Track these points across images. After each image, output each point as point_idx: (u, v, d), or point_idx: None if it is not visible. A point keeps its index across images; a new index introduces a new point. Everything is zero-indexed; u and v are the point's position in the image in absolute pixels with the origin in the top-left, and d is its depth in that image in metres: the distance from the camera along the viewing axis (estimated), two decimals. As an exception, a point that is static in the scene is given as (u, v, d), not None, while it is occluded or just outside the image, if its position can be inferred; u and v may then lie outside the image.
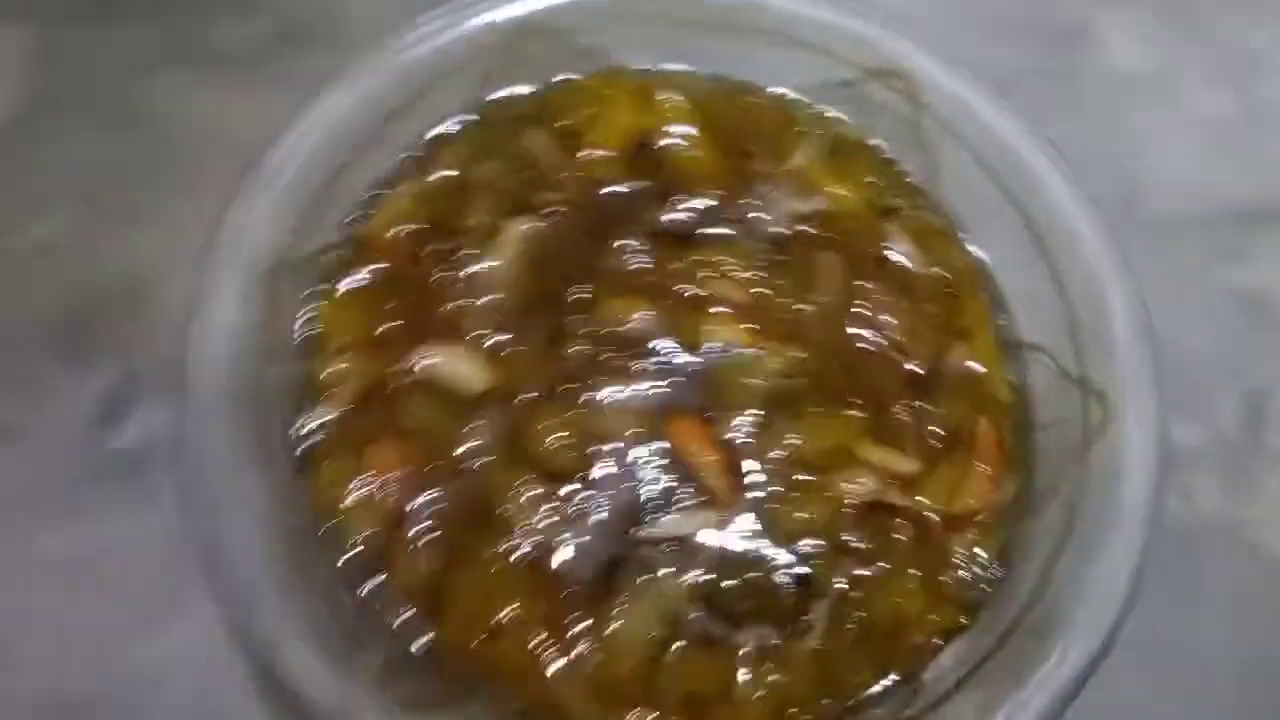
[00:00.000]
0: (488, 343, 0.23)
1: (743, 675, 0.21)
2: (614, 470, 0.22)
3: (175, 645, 0.24)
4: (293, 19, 0.33)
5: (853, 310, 0.24)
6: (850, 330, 0.24)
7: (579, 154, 0.26)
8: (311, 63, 0.30)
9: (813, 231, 0.25)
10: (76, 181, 0.31)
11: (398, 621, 0.21)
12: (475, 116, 0.26)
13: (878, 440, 0.23)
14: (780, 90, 0.27)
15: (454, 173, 0.25)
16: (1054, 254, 0.24)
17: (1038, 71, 0.33)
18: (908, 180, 0.26)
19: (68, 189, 0.31)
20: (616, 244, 0.24)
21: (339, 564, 0.21)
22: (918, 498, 0.22)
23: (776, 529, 0.22)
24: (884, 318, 0.24)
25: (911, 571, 0.22)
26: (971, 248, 0.26)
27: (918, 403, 0.23)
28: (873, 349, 0.24)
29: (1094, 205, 0.24)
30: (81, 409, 0.27)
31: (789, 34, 0.26)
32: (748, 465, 0.22)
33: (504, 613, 0.21)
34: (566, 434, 0.22)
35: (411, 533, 0.21)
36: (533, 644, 0.20)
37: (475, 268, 0.24)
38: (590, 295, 0.24)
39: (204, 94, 0.32)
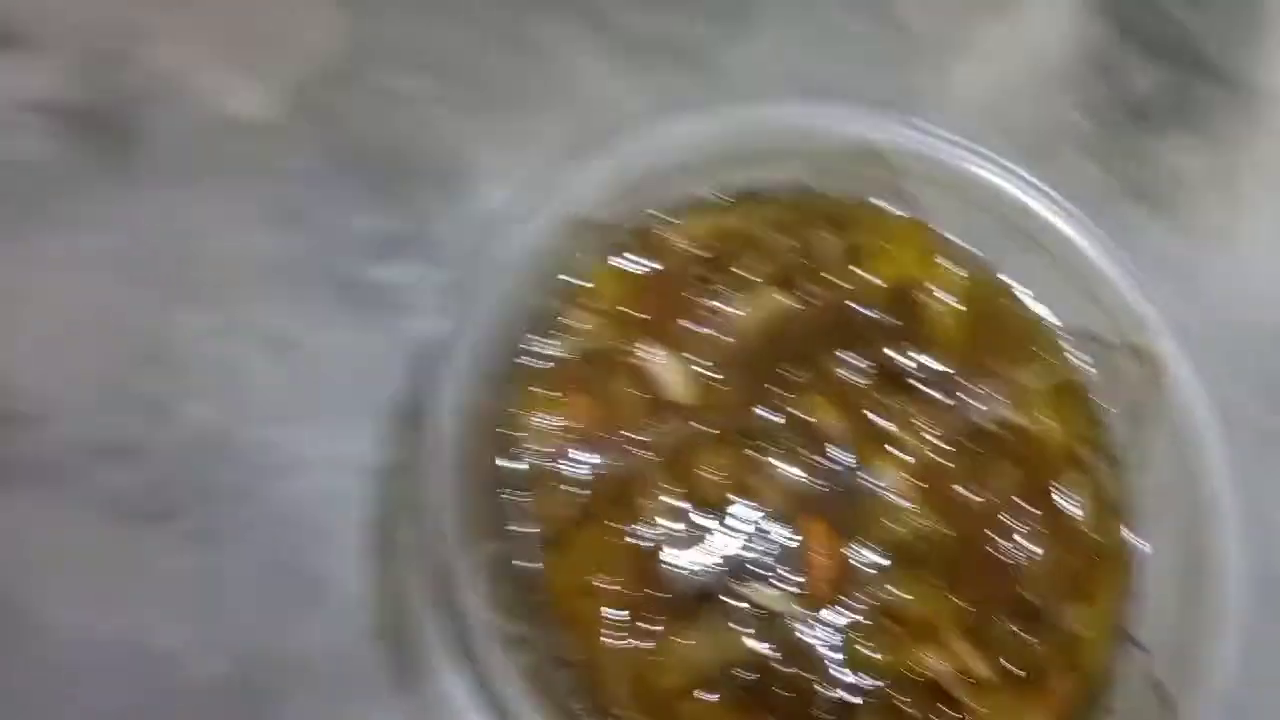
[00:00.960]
0: (702, 370, 0.26)
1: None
2: (745, 525, 0.25)
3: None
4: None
5: (1005, 521, 0.26)
6: (995, 535, 0.26)
7: (854, 268, 0.28)
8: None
9: (1008, 438, 0.27)
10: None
11: (520, 533, 0.24)
12: (792, 192, 0.29)
13: (967, 637, 0.25)
14: (1038, 310, 0.29)
15: (750, 226, 0.29)
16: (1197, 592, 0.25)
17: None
18: (1111, 449, 0.28)
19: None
20: (843, 354, 0.27)
21: (498, 461, 0.24)
22: (977, 705, 0.24)
23: (845, 653, 0.24)
24: (1027, 543, 0.26)
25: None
26: (1134, 538, 0.27)
27: (1017, 628, 0.25)
28: (1006, 561, 0.26)
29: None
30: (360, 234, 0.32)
31: (1073, 275, 0.28)
32: (852, 590, 0.24)
33: (603, 580, 0.23)
34: (725, 474, 0.25)
35: (565, 475, 0.25)
36: (611, 617, 0.23)
37: (725, 307, 0.27)
38: (802, 381, 0.27)
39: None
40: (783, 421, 0.26)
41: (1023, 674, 0.25)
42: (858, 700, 0.23)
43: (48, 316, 0.30)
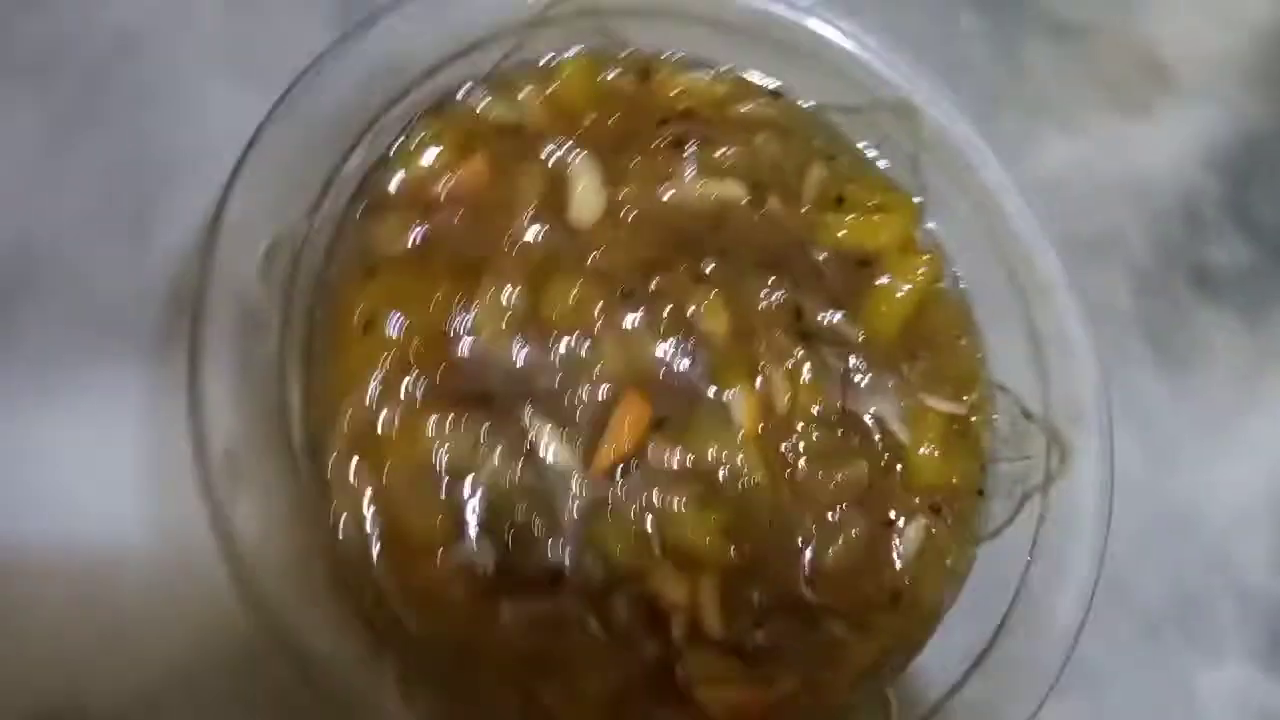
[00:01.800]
0: (621, 207, 0.24)
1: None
2: (566, 358, 0.22)
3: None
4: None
5: (824, 515, 0.23)
6: (807, 522, 0.23)
7: (831, 214, 0.26)
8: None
9: (878, 445, 0.24)
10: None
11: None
12: (813, 110, 0.27)
13: (720, 593, 0.22)
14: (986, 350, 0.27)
15: (754, 121, 0.27)
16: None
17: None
18: (972, 520, 0.25)
19: None
20: (769, 276, 0.25)
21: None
22: (688, 655, 0.22)
23: (588, 526, 0.21)
24: (834, 549, 0.23)
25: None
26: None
27: (778, 617, 0.22)
28: (802, 551, 0.23)
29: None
30: None
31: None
32: (633, 480, 0.22)
33: (397, 326, 0.22)
34: (576, 305, 0.23)
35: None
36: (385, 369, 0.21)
37: (682, 171, 0.25)
38: (710, 277, 0.24)
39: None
40: (668, 301, 0.24)
41: (752, 658, 0.22)
42: (566, 572, 0.21)
43: None
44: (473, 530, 0.21)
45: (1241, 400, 0.34)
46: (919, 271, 0.26)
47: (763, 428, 0.23)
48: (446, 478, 0.21)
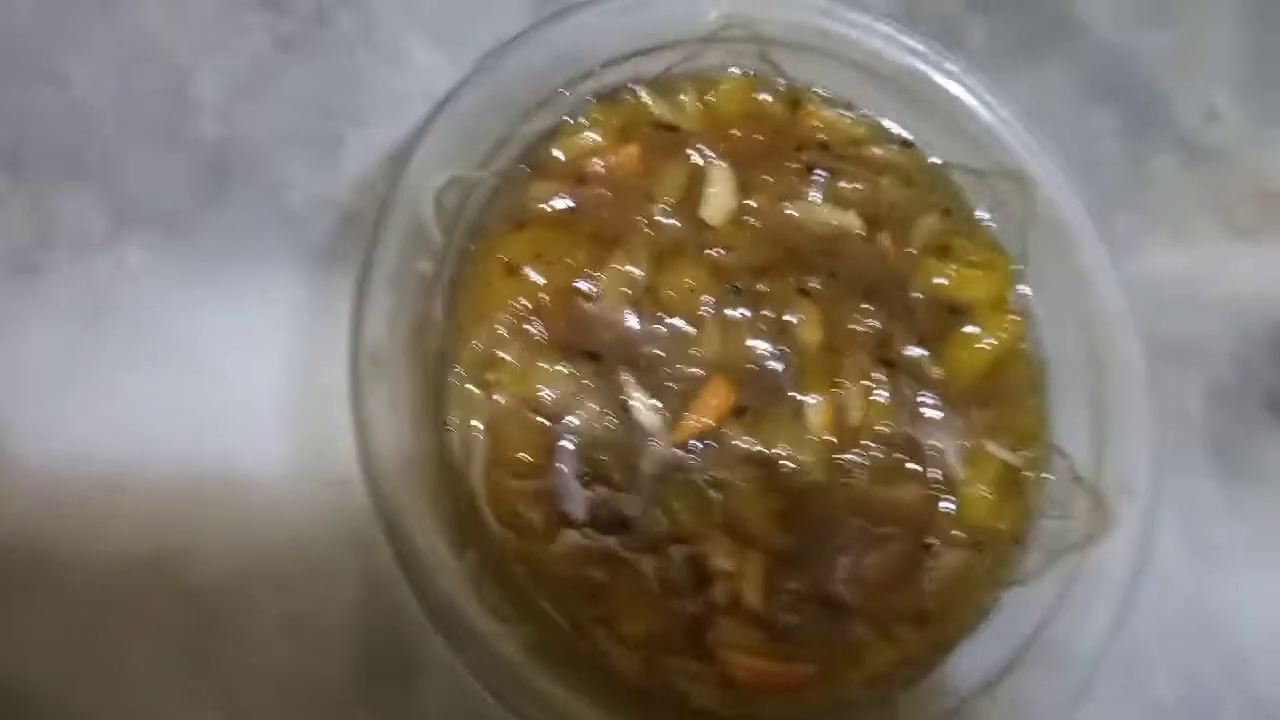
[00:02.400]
0: (747, 212, 0.27)
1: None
2: (672, 332, 0.25)
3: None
4: None
5: (869, 526, 0.26)
6: (853, 528, 0.26)
7: (933, 259, 0.28)
8: None
9: (934, 475, 0.26)
10: None
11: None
12: (942, 163, 0.29)
13: (766, 573, 0.24)
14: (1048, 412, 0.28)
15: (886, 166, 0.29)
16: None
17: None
18: (1009, 569, 0.27)
19: None
20: (866, 305, 0.27)
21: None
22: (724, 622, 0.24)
23: (660, 484, 0.24)
24: (872, 560, 0.25)
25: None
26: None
27: (812, 606, 0.25)
28: (842, 555, 0.25)
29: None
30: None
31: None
32: (706, 454, 0.25)
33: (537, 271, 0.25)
34: (690, 290, 0.26)
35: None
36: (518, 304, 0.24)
37: (809, 196, 0.28)
38: (813, 293, 0.27)
39: None
40: (772, 305, 0.26)
41: (780, 636, 0.24)
42: (632, 520, 0.24)
43: None
44: (562, 463, 0.24)
45: (1296, 525, 0.35)
46: (1004, 329, 0.28)
47: (831, 435, 0.26)
48: (547, 415, 0.24)
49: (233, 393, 0.27)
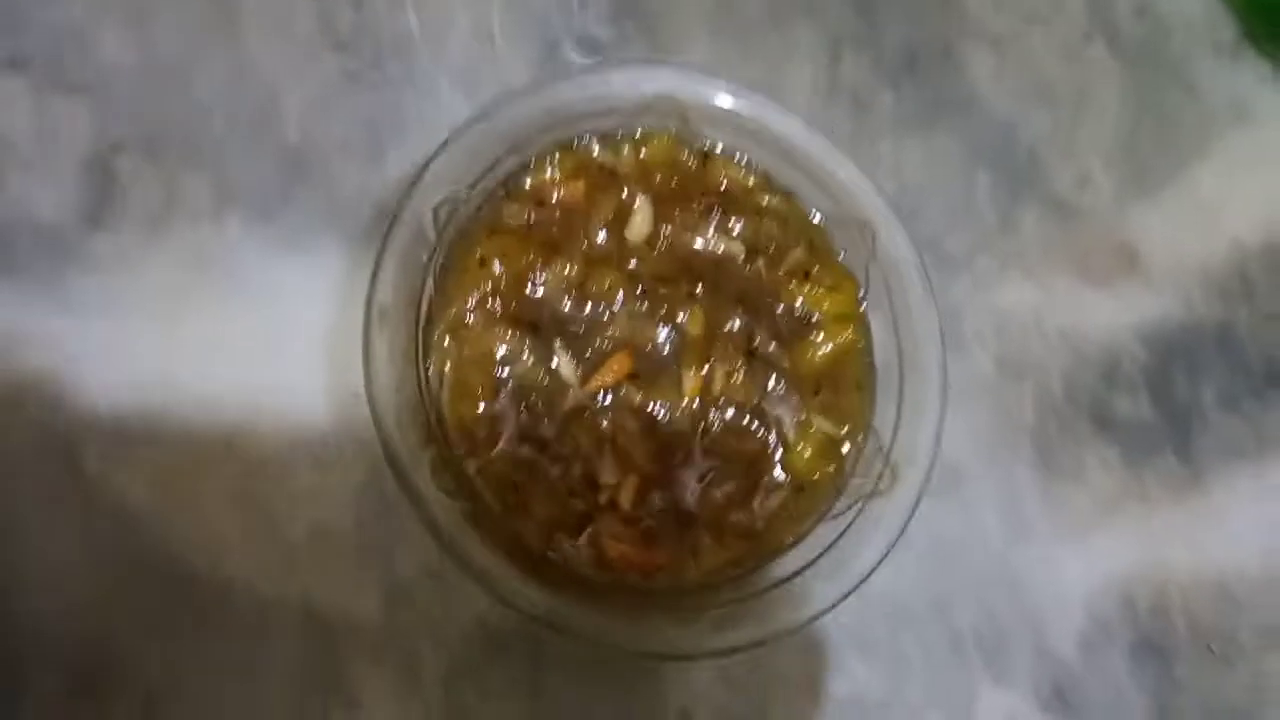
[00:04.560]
0: (660, 236, 0.38)
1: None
2: (591, 315, 0.36)
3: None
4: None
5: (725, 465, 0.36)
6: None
7: (800, 282, 0.39)
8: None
9: (772, 434, 0.37)
10: None
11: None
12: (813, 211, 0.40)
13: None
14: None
15: (770, 209, 0.39)
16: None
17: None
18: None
19: None
20: (742, 313, 0.37)
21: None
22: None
23: (566, 415, 0.35)
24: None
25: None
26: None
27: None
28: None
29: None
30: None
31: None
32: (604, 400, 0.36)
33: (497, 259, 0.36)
34: (609, 289, 0.36)
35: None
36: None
37: (711, 227, 0.38)
38: (701, 299, 0.37)
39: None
40: (668, 304, 0.37)
41: (643, 532, 0.35)
42: (549, 440, 0.35)
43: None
44: (503, 398, 0.35)
45: (1097, 517, 0.45)
46: (843, 338, 0.38)
47: (699, 399, 0.36)
48: (497, 364, 0.35)
49: (294, 327, 0.39)
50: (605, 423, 0.35)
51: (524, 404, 0.35)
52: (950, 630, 0.42)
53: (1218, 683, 0.43)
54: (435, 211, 0.35)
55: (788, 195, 0.39)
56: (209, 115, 0.41)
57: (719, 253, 0.38)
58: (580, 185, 0.37)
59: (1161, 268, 0.48)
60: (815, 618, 0.34)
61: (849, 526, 0.36)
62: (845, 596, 0.35)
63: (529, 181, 0.37)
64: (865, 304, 0.39)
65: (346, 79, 0.42)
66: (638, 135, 0.38)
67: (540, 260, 0.36)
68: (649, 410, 0.36)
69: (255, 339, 0.38)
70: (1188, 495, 0.46)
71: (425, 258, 0.35)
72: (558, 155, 0.37)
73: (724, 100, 0.38)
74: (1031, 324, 0.46)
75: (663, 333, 0.37)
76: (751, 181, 0.39)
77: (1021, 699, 0.42)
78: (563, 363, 0.35)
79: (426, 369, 0.35)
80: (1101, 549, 0.44)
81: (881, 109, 0.46)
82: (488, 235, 0.36)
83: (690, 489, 0.36)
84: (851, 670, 0.40)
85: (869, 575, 0.35)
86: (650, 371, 0.36)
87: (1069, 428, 0.45)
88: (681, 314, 0.37)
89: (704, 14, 0.46)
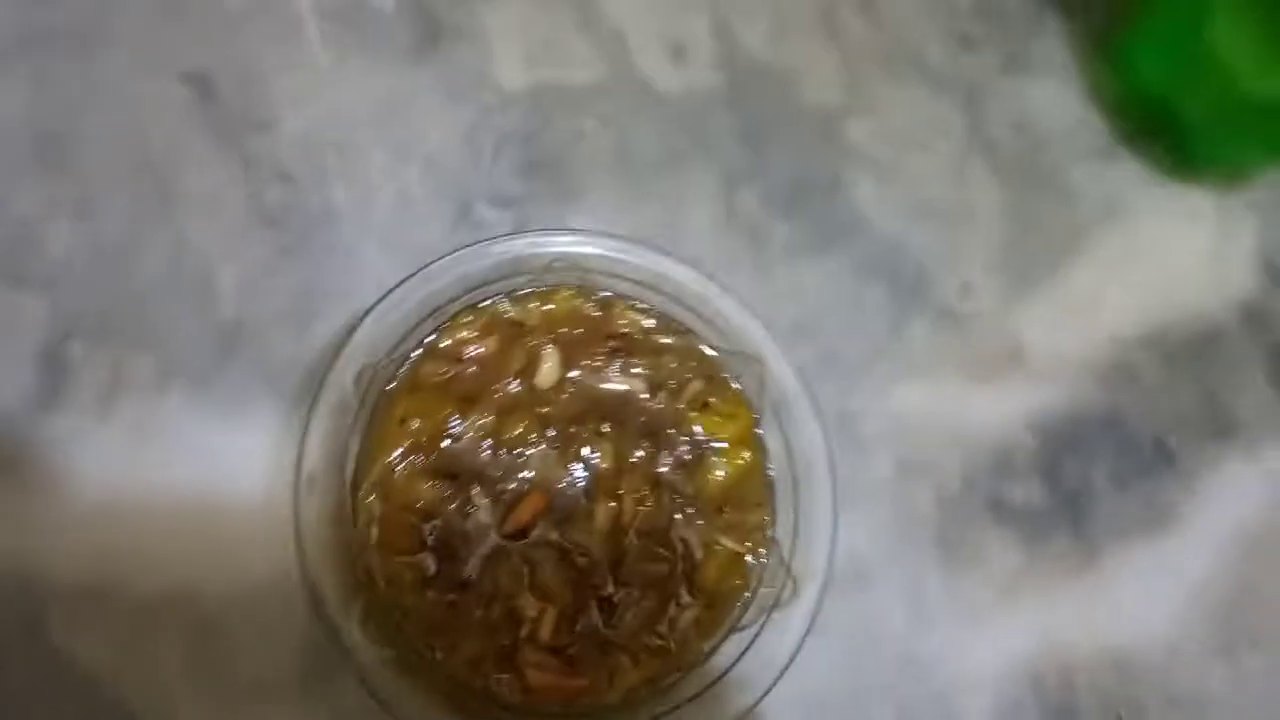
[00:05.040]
0: (567, 383, 0.41)
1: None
2: (507, 464, 0.40)
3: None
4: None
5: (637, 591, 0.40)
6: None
7: (697, 413, 0.42)
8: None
9: (680, 556, 0.40)
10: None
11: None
12: (705, 349, 0.44)
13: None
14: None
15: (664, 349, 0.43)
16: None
17: None
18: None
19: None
20: (647, 444, 0.41)
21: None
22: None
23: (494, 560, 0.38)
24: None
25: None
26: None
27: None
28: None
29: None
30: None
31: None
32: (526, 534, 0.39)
33: (414, 416, 0.39)
34: (520, 434, 0.40)
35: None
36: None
37: (617, 368, 0.42)
38: (610, 436, 0.41)
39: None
40: (578, 443, 0.40)
41: (565, 659, 0.38)
42: (471, 582, 0.38)
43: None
44: (427, 547, 0.38)
45: (999, 601, 0.48)
46: (741, 460, 0.42)
47: (610, 531, 0.40)
48: (420, 515, 0.38)
49: (233, 491, 0.42)
50: (523, 560, 0.39)
51: (445, 550, 0.38)
52: (867, 722, 0.45)
53: (1129, 749, 0.46)
54: (357, 377, 0.38)
55: (684, 334, 0.43)
56: (152, 295, 0.44)
57: (624, 390, 0.41)
58: (493, 340, 0.41)
59: (1046, 362, 0.52)
60: (734, 725, 0.37)
61: (757, 637, 0.39)
62: (757, 703, 0.38)
63: (445, 342, 0.41)
64: (760, 428, 0.42)
65: (278, 253, 0.46)
66: (543, 292, 0.42)
67: (459, 412, 0.40)
68: (564, 545, 0.39)
69: (197, 503, 0.41)
70: (1085, 573, 0.49)
71: (349, 421, 0.38)
72: (470, 316, 0.41)
73: (619, 255, 0.42)
74: (927, 424, 0.50)
75: (575, 469, 0.40)
76: (650, 324, 0.42)
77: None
78: (481, 508, 0.39)
79: (355, 527, 0.38)
80: (1006, 631, 0.47)
81: (777, 237, 0.51)
82: (408, 394, 0.40)
83: (606, 615, 0.39)
84: (776, 769, 0.43)
85: (777, 681, 0.38)
86: (564, 507, 0.40)
87: (968, 519, 0.49)
88: (591, 450, 0.40)
89: (606, 164, 0.50)
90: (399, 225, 0.47)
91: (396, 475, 0.39)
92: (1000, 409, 0.51)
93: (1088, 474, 0.51)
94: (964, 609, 0.48)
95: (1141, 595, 0.49)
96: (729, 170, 0.52)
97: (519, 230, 0.45)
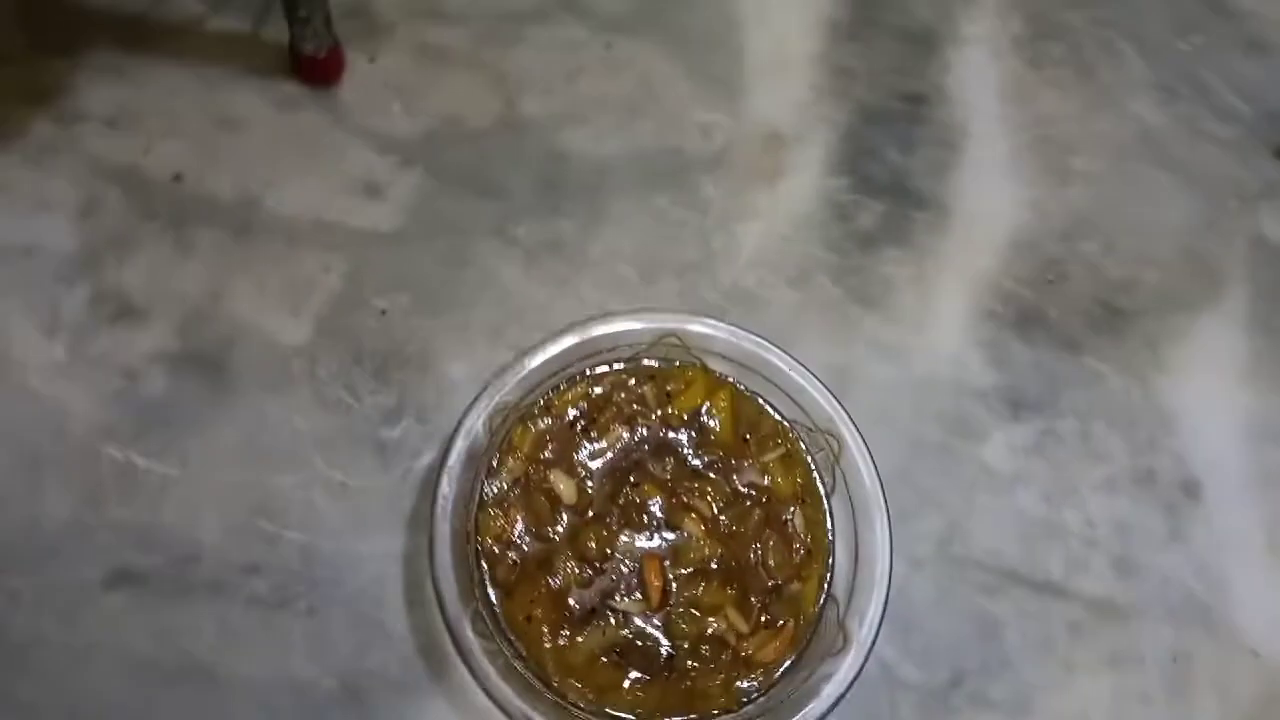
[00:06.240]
0: (584, 481, 0.48)
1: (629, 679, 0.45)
2: (613, 570, 0.46)
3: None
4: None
5: (757, 542, 0.48)
6: (751, 551, 0.47)
7: (668, 407, 0.50)
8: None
9: (754, 494, 0.48)
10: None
11: (491, 589, 0.45)
12: (630, 366, 0.50)
13: (736, 609, 0.46)
14: (775, 414, 0.51)
15: (607, 390, 0.50)
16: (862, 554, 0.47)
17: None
18: (816, 489, 0.49)
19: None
20: (664, 459, 0.48)
21: (480, 548, 0.46)
22: (743, 642, 0.46)
23: (669, 628, 0.45)
24: (770, 553, 0.48)
25: (722, 674, 0.45)
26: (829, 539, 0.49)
27: (765, 599, 0.47)
28: (756, 563, 0.47)
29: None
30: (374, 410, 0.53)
31: (790, 392, 0.50)
32: (671, 595, 0.46)
33: (536, 610, 0.45)
34: (598, 543, 0.46)
35: (510, 549, 0.46)
36: (544, 629, 0.45)
37: (595, 443, 0.49)
38: (639, 481, 0.48)
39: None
40: (632, 504, 0.47)
41: (766, 622, 0.46)
42: (675, 651, 0.45)
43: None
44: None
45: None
46: (720, 399, 0.50)
47: (707, 529, 0.47)
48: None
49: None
50: (685, 602, 0.46)
51: (628, 650, 0.45)
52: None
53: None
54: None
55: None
56: None
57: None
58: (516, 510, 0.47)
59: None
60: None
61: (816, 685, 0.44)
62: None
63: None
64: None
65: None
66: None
67: (547, 577, 0.46)
68: (693, 568, 0.47)
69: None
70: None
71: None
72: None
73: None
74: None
75: (650, 527, 0.47)
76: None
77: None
78: (627, 608, 0.45)
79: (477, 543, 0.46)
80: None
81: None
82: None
83: (762, 569, 0.47)
84: None
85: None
86: (672, 549, 0.47)
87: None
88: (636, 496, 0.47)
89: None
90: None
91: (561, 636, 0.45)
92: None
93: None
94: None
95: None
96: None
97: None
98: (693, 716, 0.45)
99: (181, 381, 0.53)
